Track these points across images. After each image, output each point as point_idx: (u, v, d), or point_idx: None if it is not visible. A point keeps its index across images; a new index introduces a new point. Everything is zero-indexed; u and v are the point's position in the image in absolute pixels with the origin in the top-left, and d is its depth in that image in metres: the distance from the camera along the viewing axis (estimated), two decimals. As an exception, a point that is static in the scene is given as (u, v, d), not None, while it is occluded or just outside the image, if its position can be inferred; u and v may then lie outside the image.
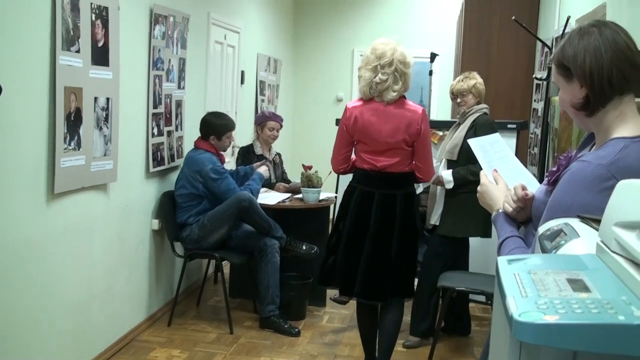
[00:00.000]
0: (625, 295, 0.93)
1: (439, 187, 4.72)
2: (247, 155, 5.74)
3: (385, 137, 3.91)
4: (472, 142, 2.48)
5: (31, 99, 3.42)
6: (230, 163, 5.81)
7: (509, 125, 5.72)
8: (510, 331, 0.92)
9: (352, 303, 5.31)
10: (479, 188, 2.17)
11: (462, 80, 4.76)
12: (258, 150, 5.76)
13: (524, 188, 2.01)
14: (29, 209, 3.46)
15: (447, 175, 4.57)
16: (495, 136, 2.50)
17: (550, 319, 0.88)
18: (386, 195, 3.98)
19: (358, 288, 4.01)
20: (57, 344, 3.80)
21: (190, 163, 5.00)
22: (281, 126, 5.92)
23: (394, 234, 3.96)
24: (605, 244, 1.13)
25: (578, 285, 1.00)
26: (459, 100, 4.77)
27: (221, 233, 4.95)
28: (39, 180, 3.53)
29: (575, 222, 1.55)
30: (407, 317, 4.94)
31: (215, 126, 5.09)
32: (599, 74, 1.74)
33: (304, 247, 5.17)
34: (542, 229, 1.65)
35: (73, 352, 3.97)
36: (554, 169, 1.91)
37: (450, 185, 4.56)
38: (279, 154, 6.07)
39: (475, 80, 4.74)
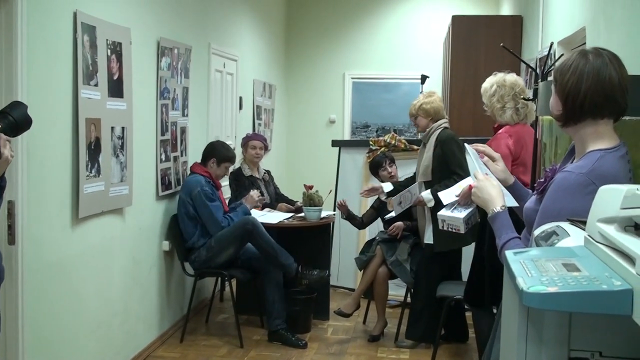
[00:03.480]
0: (607, 272, 1.22)
1: (425, 208, 4.99)
2: (238, 178, 5.96)
3: (530, 157, 4.22)
4: (468, 147, 2.71)
5: (56, 131, 3.70)
6: (225, 188, 6.03)
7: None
8: (520, 301, 1.20)
9: (355, 316, 5.62)
10: (475, 183, 2.34)
11: (411, 105, 5.09)
12: (247, 171, 6.00)
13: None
14: (57, 232, 3.73)
15: (426, 194, 4.83)
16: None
17: (552, 289, 1.16)
18: None
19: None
20: (83, 359, 4.04)
21: (184, 187, 5.30)
22: (265, 146, 6.16)
23: None
24: (591, 237, 1.42)
25: (571, 267, 1.28)
26: (414, 124, 5.15)
27: (228, 254, 5.21)
28: (65, 205, 3.79)
29: (565, 225, 1.83)
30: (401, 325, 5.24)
31: (219, 152, 5.38)
32: (574, 97, 2.01)
33: (315, 273, 5.41)
34: (537, 232, 1.92)
35: (96, 368, 4.22)
36: (541, 180, 2.19)
37: (431, 204, 4.81)
38: (268, 172, 6.33)
39: (422, 101, 5.02)
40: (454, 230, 4.36)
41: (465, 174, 4.85)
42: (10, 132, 2.67)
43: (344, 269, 6.66)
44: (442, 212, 3.93)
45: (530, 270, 1.28)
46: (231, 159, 5.51)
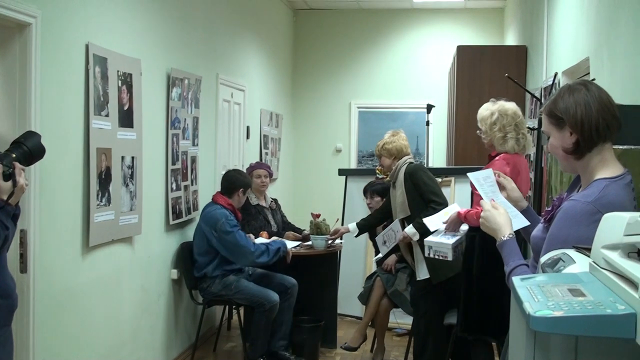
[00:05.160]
0: (612, 297, 1.26)
1: (410, 245, 4.96)
2: (245, 207, 5.93)
3: (522, 186, 4.21)
4: (470, 176, 2.73)
5: (68, 160, 3.75)
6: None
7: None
8: (527, 326, 1.24)
9: (362, 349, 5.61)
10: (482, 214, 2.40)
11: (376, 146, 5.19)
12: (253, 200, 6.04)
13: None
14: (67, 261, 3.77)
15: (409, 229, 4.80)
16: (488, 171, 2.75)
17: (558, 314, 1.20)
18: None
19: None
20: (92, 388, 4.06)
21: (206, 219, 5.27)
22: (270, 173, 6.24)
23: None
24: (595, 263, 1.46)
25: (576, 292, 1.32)
26: (379, 164, 5.27)
27: (238, 300, 5.31)
28: (76, 234, 3.84)
29: (571, 252, 1.86)
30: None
31: (243, 181, 5.46)
32: (589, 123, 2.08)
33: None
34: (543, 259, 1.96)
35: (105, 396, 4.23)
36: (549, 209, 2.23)
37: (416, 237, 4.77)
38: (275, 200, 6.39)
39: (385, 141, 5.12)
40: (440, 257, 4.08)
41: (441, 199, 4.86)
42: (25, 162, 2.73)
43: (351, 297, 6.65)
44: (430, 238, 3.70)
45: (537, 295, 1.32)
46: (250, 184, 5.65)
